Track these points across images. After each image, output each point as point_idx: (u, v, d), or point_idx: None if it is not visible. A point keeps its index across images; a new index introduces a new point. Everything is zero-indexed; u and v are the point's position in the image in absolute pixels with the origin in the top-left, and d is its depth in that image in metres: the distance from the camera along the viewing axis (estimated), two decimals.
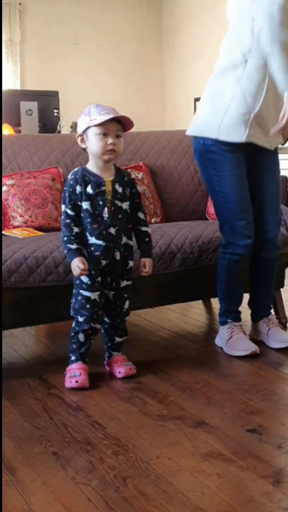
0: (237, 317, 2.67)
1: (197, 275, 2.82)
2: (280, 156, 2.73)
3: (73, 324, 2.34)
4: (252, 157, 2.55)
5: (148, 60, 7.36)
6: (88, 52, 6.99)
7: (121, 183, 2.32)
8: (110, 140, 2.22)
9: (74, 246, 2.24)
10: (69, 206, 2.26)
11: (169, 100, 7.42)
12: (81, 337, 2.33)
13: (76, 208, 2.26)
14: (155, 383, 2.31)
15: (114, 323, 2.39)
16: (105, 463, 1.72)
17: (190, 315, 3.31)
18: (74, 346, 2.35)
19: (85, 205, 2.26)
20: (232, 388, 2.24)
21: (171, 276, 2.74)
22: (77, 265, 2.21)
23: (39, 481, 1.64)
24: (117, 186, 2.30)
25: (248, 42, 2.41)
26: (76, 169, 2.32)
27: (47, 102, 5.10)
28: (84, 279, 2.29)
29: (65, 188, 2.29)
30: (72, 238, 2.25)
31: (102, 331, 2.43)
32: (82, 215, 2.27)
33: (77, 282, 2.32)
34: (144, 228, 2.39)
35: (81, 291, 2.31)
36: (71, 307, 2.34)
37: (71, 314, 2.34)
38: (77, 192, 2.25)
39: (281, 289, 3.06)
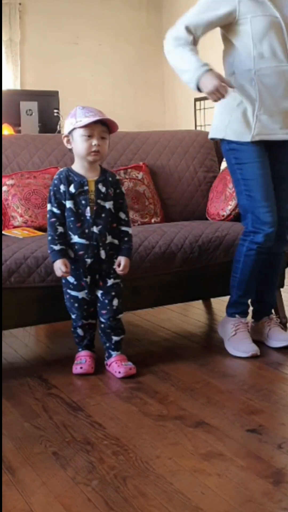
0: (244, 311, 2.66)
1: (197, 275, 2.82)
2: None
3: (72, 320, 2.45)
4: (271, 151, 2.54)
5: (148, 60, 7.35)
6: (88, 52, 6.98)
7: (104, 183, 2.37)
8: (94, 142, 2.28)
9: (57, 247, 2.31)
10: (55, 205, 2.34)
11: (169, 100, 7.41)
12: (79, 331, 2.44)
13: (61, 207, 2.34)
14: (155, 383, 2.31)
15: (109, 321, 2.40)
16: (105, 463, 1.72)
17: (190, 315, 3.31)
18: (77, 340, 2.47)
19: (68, 204, 2.33)
20: (232, 388, 2.24)
21: (171, 276, 2.74)
22: (59, 267, 2.30)
23: (39, 481, 1.64)
24: (100, 186, 2.35)
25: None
26: (61, 169, 2.40)
27: (47, 102, 5.10)
28: (70, 279, 2.37)
29: (50, 188, 2.36)
30: (56, 238, 2.32)
31: (100, 331, 2.44)
32: (66, 214, 2.33)
33: (64, 281, 2.40)
34: (124, 228, 2.42)
35: (68, 291, 2.40)
36: (66, 303, 2.43)
37: (68, 309, 2.43)
38: (61, 191, 2.33)
39: (281, 289, 3.06)
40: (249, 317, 2.77)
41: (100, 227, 2.34)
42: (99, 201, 2.34)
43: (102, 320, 2.41)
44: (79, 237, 2.33)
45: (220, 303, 3.42)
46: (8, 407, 2.13)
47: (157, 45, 7.41)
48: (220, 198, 3.13)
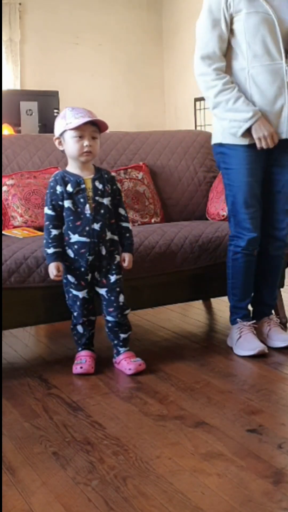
0: (246, 315, 2.66)
1: (197, 275, 2.82)
2: None
3: (72, 318, 2.45)
4: (270, 154, 2.53)
5: (148, 60, 7.35)
6: (88, 52, 6.98)
7: (100, 180, 2.39)
8: (86, 143, 2.31)
9: (50, 251, 2.34)
10: (50, 207, 2.36)
11: (169, 100, 7.41)
12: (79, 328, 2.44)
13: (57, 208, 2.35)
14: (155, 383, 2.31)
15: (115, 319, 2.41)
16: (105, 463, 1.72)
17: (190, 315, 3.31)
18: (76, 338, 2.47)
19: (66, 203, 2.35)
20: (232, 388, 2.24)
21: (171, 276, 2.74)
22: (51, 271, 2.32)
23: (39, 481, 1.64)
24: (97, 183, 2.38)
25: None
26: (56, 172, 2.43)
27: (47, 102, 5.10)
28: (71, 278, 2.39)
29: (47, 191, 2.38)
30: (50, 241, 2.35)
31: (107, 330, 2.45)
32: (64, 214, 2.35)
33: (65, 281, 2.41)
34: (124, 224, 2.46)
35: (70, 289, 2.41)
36: (66, 301, 2.44)
37: (69, 307, 2.44)
38: (58, 192, 2.35)
39: (281, 289, 3.06)
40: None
41: (100, 223, 2.35)
42: (97, 198, 2.36)
43: (109, 318, 2.41)
44: (79, 235, 2.34)
45: (220, 303, 3.43)
46: (8, 407, 2.13)
47: (157, 45, 7.43)
48: (220, 198, 3.13)
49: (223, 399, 2.14)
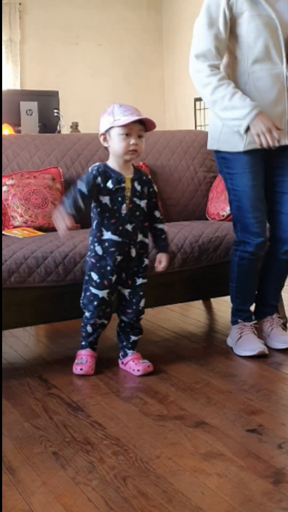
0: (248, 317, 2.65)
1: (197, 275, 2.82)
2: None
3: (83, 316, 2.41)
4: (269, 158, 2.52)
5: (148, 60, 7.35)
6: (88, 52, 6.99)
7: (140, 181, 2.37)
8: (132, 141, 2.27)
9: (71, 211, 2.21)
10: (88, 188, 2.26)
11: (169, 100, 7.42)
12: (89, 328, 2.41)
13: (92, 194, 2.27)
14: (155, 383, 2.31)
15: (130, 321, 2.41)
16: (105, 463, 1.72)
17: (190, 315, 3.31)
18: (84, 334, 2.44)
19: (105, 199, 2.31)
20: (232, 388, 2.24)
21: (171, 276, 2.74)
22: (64, 223, 2.18)
23: (39, 481, 1.64)
24: (136, 184, 2.35)
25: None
26: (97, 163, 2.37)
27: (47, 102, 5.09)
28: (94, 276, 2.34)
29: (85, 175, 2.31)
30: (73, 207, 2.23)
31: (118, 329, 2.45)
32: (100, 209, 2.32)
33: (87, 278, 2.37)
34: (160, 226, 2.45)
35: (90, 288, 2.36)
36: (81, 300, 2.39)
37: (81, 306, 2.40)
38: (97, 182, 2.29)
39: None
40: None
41: (133, 224, 2.34)
42: (134, 199, 2.34)
43: (125, 319, 2.41)
44: (112, 233, 2.31)
45: (220, 303, 3.43)
46: (8, 407, 2.13)
47: (157, 45, 7.43)
48: (220, 198, 3.13)
49: (223, 399, 2.14)
